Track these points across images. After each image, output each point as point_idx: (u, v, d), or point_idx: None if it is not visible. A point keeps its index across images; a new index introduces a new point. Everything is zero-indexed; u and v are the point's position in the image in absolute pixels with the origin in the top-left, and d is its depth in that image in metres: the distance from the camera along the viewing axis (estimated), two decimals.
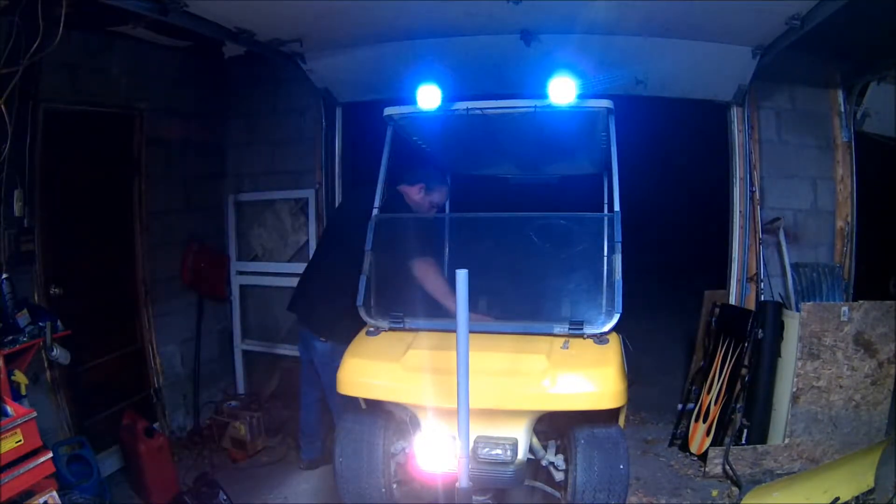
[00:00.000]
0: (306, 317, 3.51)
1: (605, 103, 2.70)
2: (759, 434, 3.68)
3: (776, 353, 3.70)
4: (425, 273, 2.97)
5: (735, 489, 3.42)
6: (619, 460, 2.41)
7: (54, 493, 2.53)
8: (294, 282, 3.80)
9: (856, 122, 4.07)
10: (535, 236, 3.10)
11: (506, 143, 3.44)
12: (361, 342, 2.72)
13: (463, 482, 2.10)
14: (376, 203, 3.00)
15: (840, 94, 4.07)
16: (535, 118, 2.77)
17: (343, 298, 3.03)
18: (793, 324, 3.63)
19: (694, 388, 4.18)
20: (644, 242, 6.23)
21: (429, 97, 2.71)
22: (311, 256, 3.91)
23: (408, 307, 2.86)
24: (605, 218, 2.88)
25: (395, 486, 2.65)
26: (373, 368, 2.52)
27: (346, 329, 3.03)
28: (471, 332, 2.07)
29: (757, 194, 4.04)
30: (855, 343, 3.53)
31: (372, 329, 2.78)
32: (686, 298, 5.10)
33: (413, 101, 2.75)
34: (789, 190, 4.11)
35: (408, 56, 3.70)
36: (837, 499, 3.01)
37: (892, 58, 3.77)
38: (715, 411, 3.82)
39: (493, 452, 2.32)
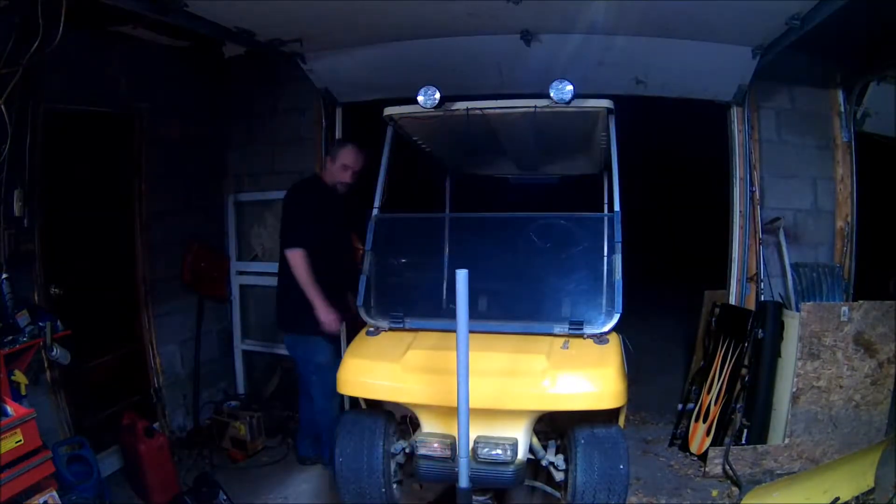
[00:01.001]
0: (276, 316, 3.77)
1: (605, 103, 2.70)
2: (759, 434, 3.68)
3: (776, 353, 3.70)
4: (294, 262, 3.33)
5: (735, 489, 3.42)
6: (619, 460, 2.41)
7: (54, 493, 2.53)
8: None
9: (856, 122, 4.07)
10: (535, 236, 3.10)
11: (506, 143, 3.44)
12: (361, 342, 2.72)
13: (463, 482, 2.10)
14: (376, 203, 3.00)
15: (840, 94, 4.06)
16: (535, 118, 2.77)
17: (288, 291, 3.46)
18: (793, 324, 3.63)
19: (694, 388, 4.18)
20: (644, 242, 6.24)
21: (429, 97, 2.71)
22: None
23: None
24: (605, 218, 2.88)
25: (395, 486, 2.65)
26: (373, 368, 2.52)
27: (295, 319, 3.50)
28: (471, 332, 2.07)
29: (757, 194, 4.04)
30: (855, 343, 3.53)
31: (372, 329, 2.78)
32: (686, 298, 5.10)
33: (413, 101, 2.76)
34: (789, 190, 4.11)
35: (408, 56, 3.70)
36: (837, 499, 3.01)
37: (892, 58, 3.77)
38: (715, 411, 3.82)
39: (493, 452, 2.32)
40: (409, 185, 4.77)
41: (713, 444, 3.68)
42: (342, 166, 3.48)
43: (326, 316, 3.33)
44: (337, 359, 3.16)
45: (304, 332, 3.45)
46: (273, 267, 4.60)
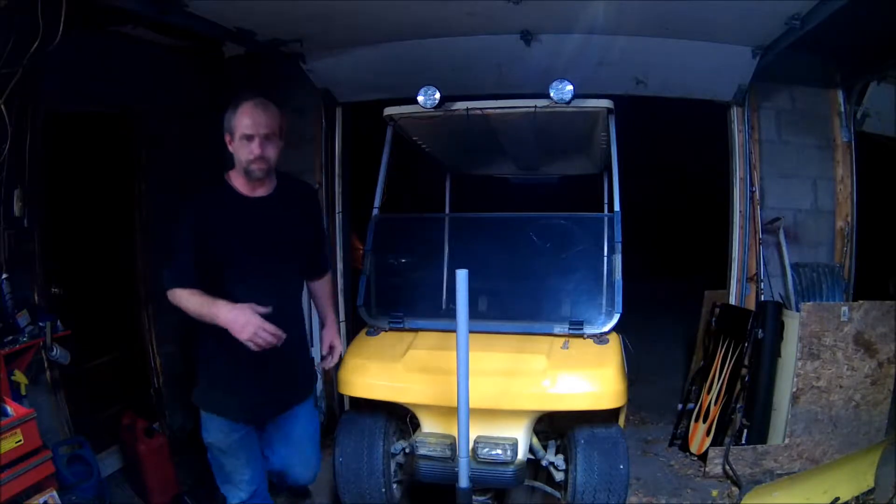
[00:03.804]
0: None
1: (605, 103, 2.71)
2: (759, 434, 3.67)
3: (776, 353, 3.70)
4: (177, 303, 2.18)
5: (735, 489, 3.42)
6: (619, 460, 2.42)
7: (54, 493, 2.53)
8: None
9: (856, 122, 4.07)
10: (535, 236, 3.11)
11: (506, 143, 3.44)
12: (361, 342, 2.73)
13: (463, 482, 2.10)
14: (376, 203, 3.01)
15: (840, 94, 4.06)
16: (535, 118, 2.78)
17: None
18: (793, 324, 3.63)
19: (694, 388, 4.18)
20: (644, 242, 6.24)
21: (429, 97, 2.71)
22: None
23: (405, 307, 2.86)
24: (605, 218, 2.89)
25: (395, 486, 2.66)
26: (373, 368, 2.53)
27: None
28: (471, 332, 2.07)
29: (757, 194, 4.03)
30: (855, 343, 3.52)
31: (372, 329, 2.78)
32: (686, 298, 5.09)
33: (413, 101, 2.76)
34: (789, 190, 4.11)
35: (408, 56, 3.70)
36: (837, 499, 3.00)
37: (892, 58, 3.77)
38: (715, 411, 3.82)
39: (493, 452, 2.32)
40: (410, 185, 4.77)
41: (713, 444, 3.68)
42: (242, 138, 2.16)
43: (232, 314, 2.03)
44: (233, 441, 2.28)
45: (198, 405, 2.38)
46: None
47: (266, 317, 2.04)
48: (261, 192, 2.25)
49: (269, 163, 2.19)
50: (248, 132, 2.15)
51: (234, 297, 2.09)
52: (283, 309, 2.19)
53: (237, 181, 2.25)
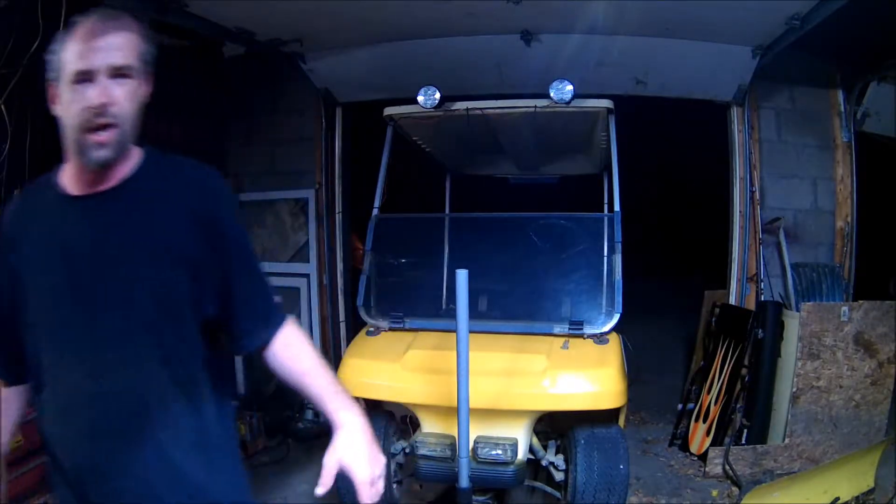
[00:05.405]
0: None
1: (605, 103, 2.71)
2: (759, 434, 3.67)
3: (776, 353, 3.70)
4: None
5: (735, 489, 3.41)
6: (619, 460, 2.42)
7: None
8: (295, 281, 3.72)
9: (856, 122, 4.07)
10: (535, 236, 3.11)
11: (506, 144, 3.44)
12: (361, 342, 2.72)
13: (463, 482, 2.10)
14: (376, 203, 3.00)
15: (840, 94, 4.06)
16: (535, 118, 2.78)
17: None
18: (793, 324, 3.62)
19: (694, 388, 4.17)
20: (644, 242, 6.25)
21: (429, 97, 2.71)
22: None
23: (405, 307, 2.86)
24: (605, 218, 2.89)
25: (395, 486, 2.66)
26: (373, 368, 2.52)
27: None
28: (471, 332, 2.07)
29: (757, 194, 4.03)
30: (855, 343, 3.52)
31: (372, 329, 2.78)
32: (686, 298, 5.09)
33: (413, 101, 2.76)
34: (789, 190, 4.11)
35: (408, 56, 3.70)
36: (837, 499, 3.00)
37: (892, 58, 3.77)
38: (715, 411, 3.81)
39: (493, 452, 2.32)
40: (410, 185, 4.77)
41: (713, 444, 3.68)
42: (73, 82, 1.17)
43: None
44: None
45: None
46: (273, 267, 4.63)
47: (94, 415, 1.14)
48: (103, 185, 1.23)
49: (120, 122, 1.20)
50: (81, 67, 1.17)
51: (45, 374, 1.18)
52: (129, 394, 1.16)
53: (67, 173, 1.26)
